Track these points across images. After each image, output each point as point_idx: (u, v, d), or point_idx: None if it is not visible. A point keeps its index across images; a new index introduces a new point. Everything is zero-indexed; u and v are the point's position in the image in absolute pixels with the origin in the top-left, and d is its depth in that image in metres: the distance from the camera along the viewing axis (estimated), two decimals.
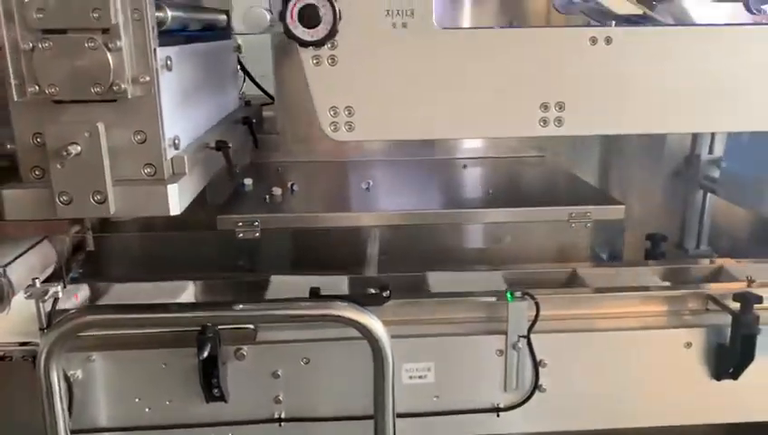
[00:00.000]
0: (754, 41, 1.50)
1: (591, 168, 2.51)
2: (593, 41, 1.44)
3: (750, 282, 1.90)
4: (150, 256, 2.36)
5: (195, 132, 1.62)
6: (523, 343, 1.74)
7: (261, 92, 2.60)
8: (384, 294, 1.70)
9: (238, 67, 2.34)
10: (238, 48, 2.24)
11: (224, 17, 2.11)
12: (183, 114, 1.50)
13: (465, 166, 2.31)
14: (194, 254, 2.27)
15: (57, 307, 1.64)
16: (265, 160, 2.35)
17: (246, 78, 2.52)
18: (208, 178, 1.65)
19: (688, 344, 1.79)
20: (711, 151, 2.45)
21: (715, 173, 2.41)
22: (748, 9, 2.08)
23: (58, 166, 1.26)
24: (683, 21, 1.90)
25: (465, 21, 2.32)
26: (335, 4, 1.34)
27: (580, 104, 1.46)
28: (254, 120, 2.14)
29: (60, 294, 1.65)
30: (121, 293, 1.86)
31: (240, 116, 2.12)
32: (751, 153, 2.17)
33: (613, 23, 1.50)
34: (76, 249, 2.01)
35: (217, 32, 2.02)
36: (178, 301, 1.81)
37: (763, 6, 2.05)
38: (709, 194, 2.50)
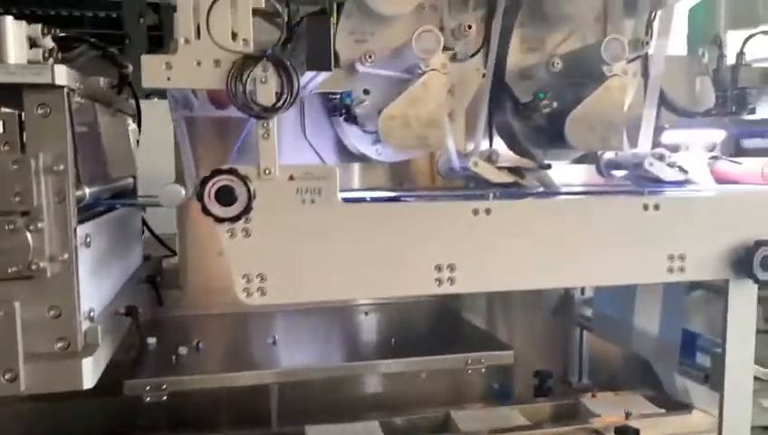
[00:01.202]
0: (603, 208, 1.78)
1: (480, 309, 2.71)
2: (475, 212, 1.66)
3: (627, 415, 2.09)
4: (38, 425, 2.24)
5: (106, 299, 1.65)
6: None
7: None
8: None
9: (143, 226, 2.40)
10: (143, 208, 2.31)
11: (131, 181, 2.20)
12: (97, 285, 1.54)
13: (366, 313, 2.44)
14: (87, 418, 2.20)
15: None
16: (168, 315, 2.36)
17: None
18: (117, 344, 1.66)
19: None
20: (583, 293, 2.74)
21: (588, 312, 2.69)
22: (599, 172, 2.46)
23: None
24: (549, 186, 2.21)
25: (359, 183, 2.54)
26: (249, 185, 1.48)
27: (468, 265, 1.66)
28: (158, 278, 2.18)
29: None
30: None
31: (144, 274, 2.16)
32: (617, 295, 2.45)
33: (491, 195, 1.74)
34: None
35: (126, 195, 2.10)
36: None
37: (611, 172, 2.44)
38: (585, 331, 2.76)
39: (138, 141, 2.37)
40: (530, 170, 2.16)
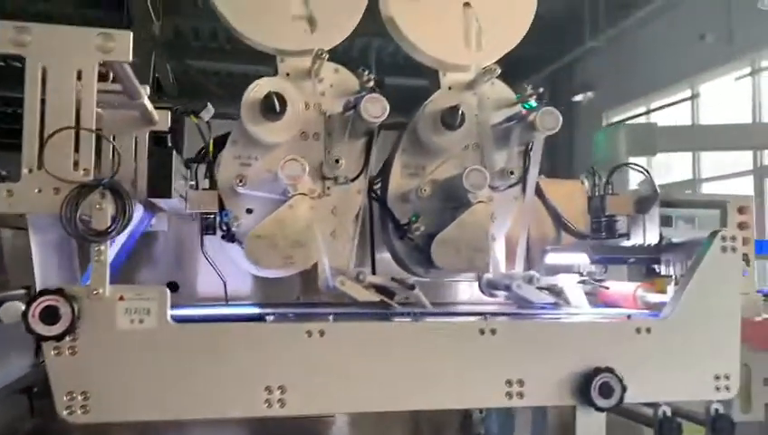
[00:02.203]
0: (438, 332, 1.83)
1: (373, 429, 2.69)
2: (309, 333, 1.72)
3: None
4: None
5: None
6: None
7: None
8: None
9: None
10: None
11: (22, 292, 2.29)
12: None
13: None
14: None
15: None
16: (51, 426, 2.36)
17: None
18: None
19: None
20: (481, 411, 2.72)
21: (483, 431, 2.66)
22: (482, 291, 2.52)
23: None
24: (423, 306, 2.26)
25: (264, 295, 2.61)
26: (75, 305, 1.56)
27: (299, 387, 1.69)
28: (34, 389, 2.22)
29: None
30: None
31: (21, 386, 2.20)
32: (500, 414, 2.44)
33: (331, 317, 1.80)
34: None
35: None
36: None
37: (493, 290, 2.49)
38: None
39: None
40: (400, 289, 2.23)
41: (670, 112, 9.30)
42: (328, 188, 2.31)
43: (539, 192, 2.67)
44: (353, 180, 2.32)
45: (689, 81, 8.87)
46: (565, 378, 1.84)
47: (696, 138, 3.62)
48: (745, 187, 7.92)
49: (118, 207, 1.61)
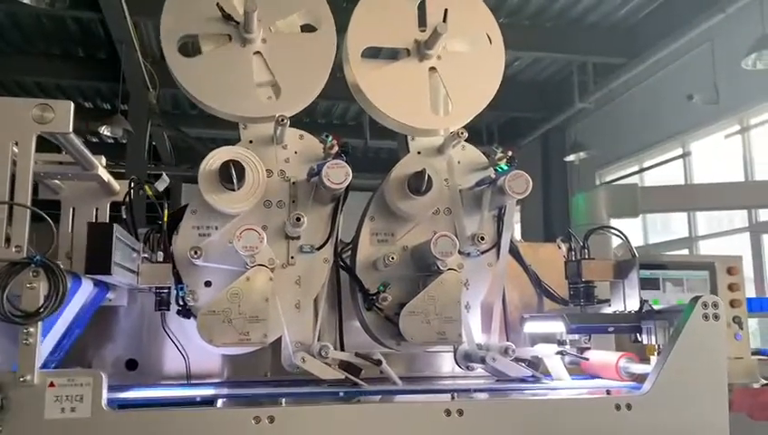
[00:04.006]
0: (400, 414, 1.70)
1: None
2: (257, 420, 1.59)
3: None
4: None
5: None
6: None
7: None
8: None
9: None
10: None
11: None
12: None
13: None
14: None
15: None
16: None
17: None
18: None
19: None
20: None
21: None
22: (457, 364, 2.38)
23: None
24: (392, 382, 2.13)
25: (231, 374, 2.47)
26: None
27: None
28: None
29: None
30: None
31: None
32: None
33: (283, 401, 1.67)
34: None
35: None
36: None
37: (470, 363, 2.35)
38: None
39: None
40: (367, 364, 2.10)
41: (663, 170, 9.31)
42: (292, 257, 2.21)
43: (518, 257, 2.57)
44: (319, 249, 2.22)
45: (680, 139, 8.92)
46: None
47: (679, 198, 3.56)
48: (742, 244, 7.83)
49: (51, 286, 1.51)
